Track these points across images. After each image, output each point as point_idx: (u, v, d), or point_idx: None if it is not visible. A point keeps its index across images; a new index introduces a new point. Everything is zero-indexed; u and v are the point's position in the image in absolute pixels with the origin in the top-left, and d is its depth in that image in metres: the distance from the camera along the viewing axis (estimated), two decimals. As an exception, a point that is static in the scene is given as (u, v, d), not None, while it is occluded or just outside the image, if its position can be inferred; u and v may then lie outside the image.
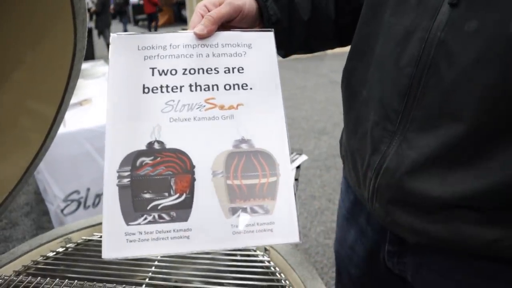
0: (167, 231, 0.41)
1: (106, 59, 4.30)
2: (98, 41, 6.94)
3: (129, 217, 0.41)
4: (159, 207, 0.42)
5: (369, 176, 0.54)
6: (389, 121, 0.50)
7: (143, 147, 0.43)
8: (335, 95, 4.37)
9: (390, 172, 0.50)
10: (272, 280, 0.64)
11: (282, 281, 0.63)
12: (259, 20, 0.56)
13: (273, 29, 0.51)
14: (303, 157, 1.04)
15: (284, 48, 0.62)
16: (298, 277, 0.62)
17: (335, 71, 5.42)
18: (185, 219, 0.42)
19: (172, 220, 0.41)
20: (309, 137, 3.36)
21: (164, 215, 0.42)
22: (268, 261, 0.68)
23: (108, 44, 6.77)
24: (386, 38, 0.50)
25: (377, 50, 0.52)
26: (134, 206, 0.42)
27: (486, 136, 0.42)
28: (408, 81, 0.46)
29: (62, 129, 1.68)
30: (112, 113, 0.44)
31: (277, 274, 0.65)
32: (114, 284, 0.57)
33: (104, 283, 0.57)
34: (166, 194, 0.42)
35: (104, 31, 6.71)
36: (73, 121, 1.77)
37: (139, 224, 0.41)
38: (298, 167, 1.01)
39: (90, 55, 5.66)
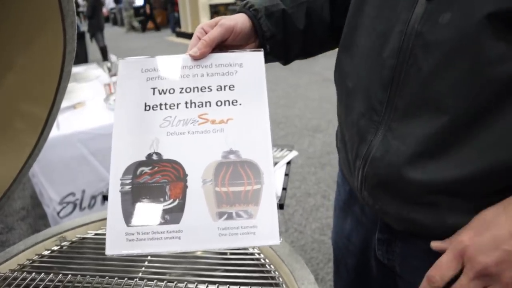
0: (161, 232, 0.46)
1: (99, 62, 4.29)
2: (91, 45, 6.92)
3: (129, 219, 0.46)
4: None
5: (357, 166, 0.55)
6: (374, 111, 0.52)
7: (143, 158, 0.48)
8: (328, 92, 4.39)
9: (376, 161, 0.52)
10: (262, 272, 0.66)
11: (272, 272, 0.65)
12: (254, 36, 0.59)
13: (262, 49, 0.55)
14: (294, 153, 1.06)
15: (283, 58, 0.65)
16: (287, 268, 0.64)
17: (329, 69, 5.38)
18: (177, 221, 0.46)
19: (166, 222, 0.46)
20: (303, 135, 3.38)
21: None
22: (258, 254, 0.70)
23: (100, 48, 6.78)
24: (369, 31, 0.52)
25: (361, 43, 0.54)
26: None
27: (465, 124, 0.44)
28: (390, 72, 0.48)
29: (56, 132, 1.69)
30: (118, 128, 0.50)
31: (267, 265, 0.67)
32: (106, 277, 0.58)
33: (97, 277, 0.58)
34: (162, 199, 0.47)
35: (96, 34, 6.69)
36: (67, 124, 1.78)
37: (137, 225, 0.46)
38: (288, 163, 1.02)
39: (83, 59, 5.65)
